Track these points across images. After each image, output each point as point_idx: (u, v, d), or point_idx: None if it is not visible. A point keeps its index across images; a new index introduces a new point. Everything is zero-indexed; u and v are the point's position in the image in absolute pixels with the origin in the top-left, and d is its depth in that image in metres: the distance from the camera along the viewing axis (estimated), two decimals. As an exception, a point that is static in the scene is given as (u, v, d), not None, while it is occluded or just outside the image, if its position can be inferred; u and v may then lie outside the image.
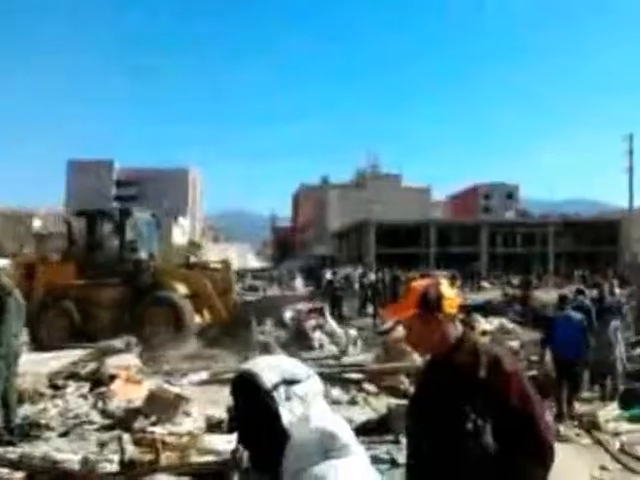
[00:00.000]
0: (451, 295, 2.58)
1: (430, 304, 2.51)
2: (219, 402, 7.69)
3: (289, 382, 4.19)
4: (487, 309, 21.16)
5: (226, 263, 16.38)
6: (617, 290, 18.25)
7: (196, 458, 5.05)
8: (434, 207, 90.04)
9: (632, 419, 8.55)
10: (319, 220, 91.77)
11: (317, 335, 14.33)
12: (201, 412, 6.90)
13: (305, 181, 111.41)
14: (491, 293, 29.29)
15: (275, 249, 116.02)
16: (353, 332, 15.24)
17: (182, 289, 14.54)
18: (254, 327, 14.03)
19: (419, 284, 2.63)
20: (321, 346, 13.70)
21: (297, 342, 14.01)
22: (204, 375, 10.40)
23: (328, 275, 32.77)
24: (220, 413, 6.80)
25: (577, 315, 9.54)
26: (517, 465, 2.36)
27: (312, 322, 14.95)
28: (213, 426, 6.46)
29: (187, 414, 6.54)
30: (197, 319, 14.49)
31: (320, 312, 16.32)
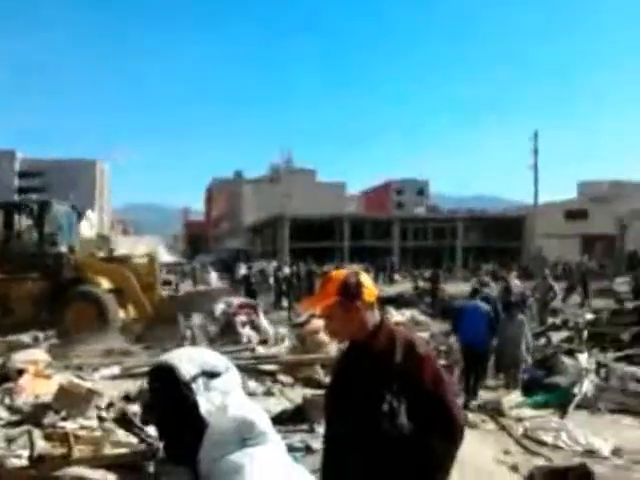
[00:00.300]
0: (369, 284, 2.67)
1: (350, 292, 2.59)
2: (132, 396, 7.60)
3: (208, 374, 4.22)
4: (399, 301, 21.73)
5: (151, 256, 16.01)
6: (517, 282, 19.27)
7: (110, 451, 4.97)
8: (348, 202, 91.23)
9: (534, 405, 9.03)
10: (233, 214, 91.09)
11: (246, 331, 14.27)
12: (114, 406, 6.78)
13: (218, 175, 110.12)
14: (403, 286, 30.05)
15: (188, 243, 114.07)
16: (283, 330, 15.27)
17: (105, 283, 14.09)
18: (181, 322, 13.81)
19: (339, 273, 2.71)
20: (249, 341, 13.65)
21: (226, 336, 13.92)
22: (116, 370, 10.18)
23: (243, 269, 32.64)
24: (133, 407, 6.70)
25: (484, 305, 10.00)
26: (430, 443, 2.48)
27: (242, 317, 14.87)
28: (126, 420, 6.35)
29: (99, 408, 6.39)
30: (121, 314, 14.11)
31: (253, 308, 16.27)
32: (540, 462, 6.38)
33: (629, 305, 16.28)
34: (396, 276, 40.50)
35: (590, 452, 7.05)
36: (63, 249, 14.53)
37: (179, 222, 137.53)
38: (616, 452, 7.04)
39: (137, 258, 16.06)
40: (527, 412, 8.75)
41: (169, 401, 4.09)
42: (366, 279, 2.68)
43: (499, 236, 60.13)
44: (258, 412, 4.08)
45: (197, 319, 14.58)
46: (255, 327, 14.82)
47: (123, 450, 4.96)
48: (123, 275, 14.28)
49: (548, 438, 7.52)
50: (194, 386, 4.08)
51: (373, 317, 2.64)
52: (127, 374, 9.93)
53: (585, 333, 13.87)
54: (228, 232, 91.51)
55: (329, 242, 56.87)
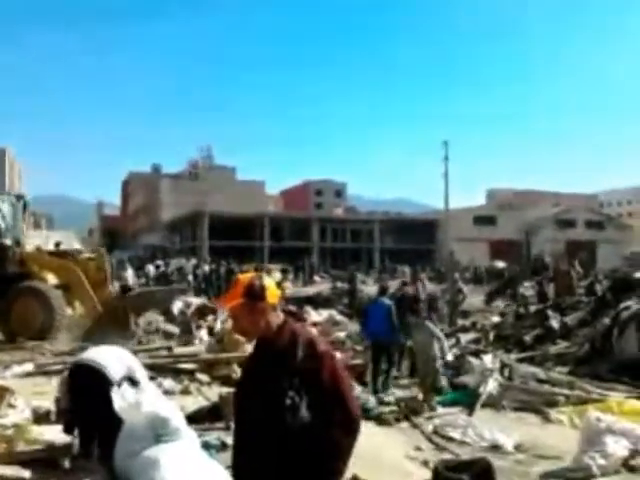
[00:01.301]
0: (273, 287, 2.93)
1: (255, 294, 2.83)
2: (46, 393, 7.42)
3: (126, 372, 4.22)
4: (317, 301, 22.00)
5: (100, 252, 15.41)
6: (427, 284, 19.91)
7: (24, 449, 4.87)
8: (267, 201, 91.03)
9: (444, 403, 9.43)
10: (150, 209, 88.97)
11: (202, 333, 14.07)
12: (27, 404, 6.60)
13: (134, 169, 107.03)
14: (321, 286, 30.37)
15: (103, 238, 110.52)
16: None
17: (52, 279, 13.52)
18: (132, 321, 13.39)
19: (245, 277, 2.94)
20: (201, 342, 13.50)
21: (182, 336, 13.71)
22: (29, 367, 9.86)
23: (151, 268, 31.94)
24: (47, 404, 6.57)
25: (386, 301, 10.42)
26: (329, 435, 2.69)
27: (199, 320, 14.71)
28: (40, 417, 6.22)
29: (12, 406, 6.21)
30: (69, 311, 13.56)
31: (214, 312, 16.01)
32: (446, 456, 6.69)
33: (533, 308, 17.10)
34: (315, 276, 40.86)
35: (495, 447, 7.44)
36: (8, 242, 13.79)
37: (93, 216, 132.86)
38: (518, 447, 7.46)
39: (86, 253, 15.48)
40: (438, 410, 9.13)
41: (91, 400, 4.08)
42: (270, 282, 2.93)
43: (414, 239, 61.70)
44: (172, 409, 4.15)
45: (151, 318, 14.29)
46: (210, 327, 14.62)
47: (38, 446, 4.88)
48: (71, 271, 13.67)
49: (456, 434, 7.88)
50: (113, 383, 4.09)
51: (277, 317, 2.88)
52: (40, 371, 9.65)
53: (491, 335, 14.53)
54: (146, 228, 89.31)
55: (249, 241, 56.64)
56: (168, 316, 15.00)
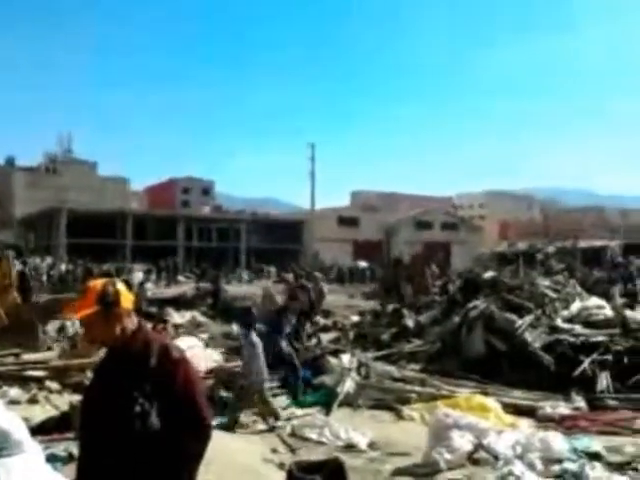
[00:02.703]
0: (126, 292, 2.83)
1: (109, 301, 2.73)
2: None
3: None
4: (180, 302, 21.48)
5: (6, 256, 14.15)
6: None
7: None
8: (131, 198, 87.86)
9: (303, 405, 9.49)
10: (2, 205, 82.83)
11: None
12: None
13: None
14: (186, 286, 29.73)
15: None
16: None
17: None
18: (39, 329, 12.65)
19: (97, 283, 2.82)
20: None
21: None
22: None
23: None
24: None
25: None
26: (180, 442, 2.64)
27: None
28: None
29: None
30: None
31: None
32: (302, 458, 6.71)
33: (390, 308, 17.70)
34: (179, 277, 39.94)
35: (350, 446, 7.61)
36: None
37: None
38: (372, 445, 7.66)
39: None
40: (297, 411, 9.18)
41: None
42: (122, 287, 2.84)
43: (280, 238, 62.03)
44: (13, 421, 3.87)
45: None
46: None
47: None
48: None
49: (313, 435, 7.96)
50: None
51: (131, 322, 2.80)
52: None
53: (351, 334, 14.89)
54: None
55: (110, 239, 54.24)
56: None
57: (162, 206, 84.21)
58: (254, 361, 8.45)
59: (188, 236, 60.30)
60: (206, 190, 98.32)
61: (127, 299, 2.81)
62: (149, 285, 23.00)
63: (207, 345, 13.38)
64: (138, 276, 25.59)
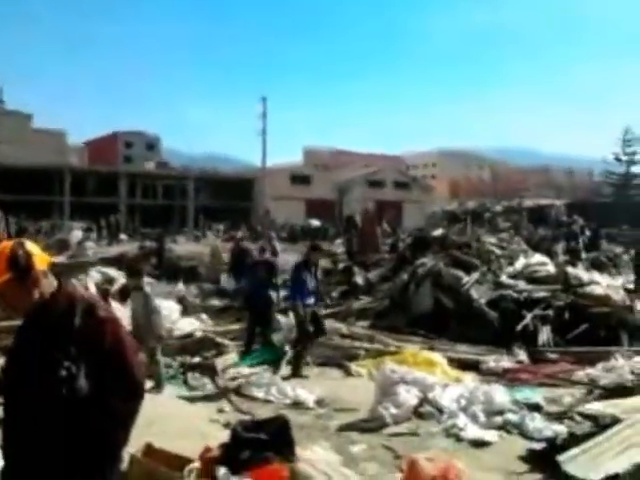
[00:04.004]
0: (39, 252, 2.69)
1: (21, 266, 2.59)
2: None
3: None
4: (123, 262, 21.14)
5: None
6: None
7: None
8: (70, 153, 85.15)
9: (253, 363, 9.59)
10: None
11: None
12: None
13: None
14: (129, 246, 29.29)
15: None
16: None
17: None
18: None
19: (3, 247, 2.65)
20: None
21: None
22: None
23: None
24: None
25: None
26: (111, 404, 2.60)
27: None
28: None
29: None
30: None
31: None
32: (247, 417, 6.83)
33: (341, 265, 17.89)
34: (122, 235, 39.28)
35: (297, 403, 7.78)
36: None
37: None
38: (319, 402, 7.84)
39: None
40: (244, 370, 9.24)
41: None
42: (34, 247, 2.70)
43: (230, 197, 61.43)
44: None
45: None
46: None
47: None
48: None
49: (260, 394, 8.09)
50: None
51: (49, 284, 2.68)
52: None
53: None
54: None
55: (47, 196, 52.75)
56: None
57: (104, 161, 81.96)
58: (147, 316, 8.31)
59: (131, 193, 59.14)
60: (151, 145, 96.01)
61: (41, 260, 2.67)
62: (89, 244, 22.54)
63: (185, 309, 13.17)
64: (77, 234, 25.02)
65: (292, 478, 4.36)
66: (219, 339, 10.43)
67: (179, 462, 5.03)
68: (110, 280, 14.55)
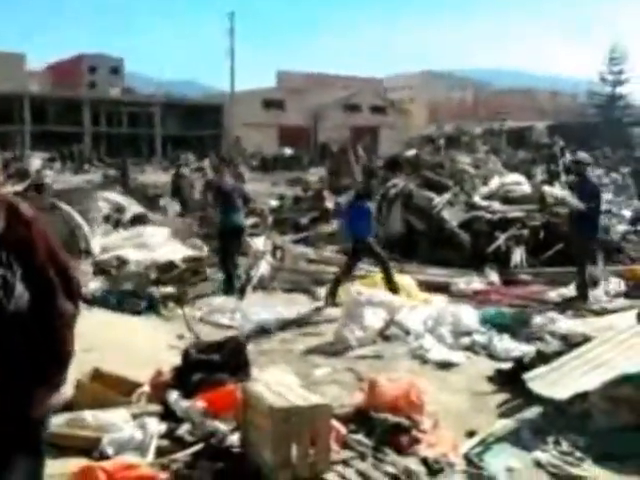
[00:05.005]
0: None
1: None
2: None
3: None
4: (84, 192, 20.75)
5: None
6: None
7: None
8: (29, 79, 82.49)
9: (219, 292, 9.46)
10: None
11: None
12: None
13: None
14: (92, 175, 28.75)
15: None
16: None
17: None
18: None
19: None
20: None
21: None
22: None
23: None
24: None
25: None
26: (53, 306, 2.51)
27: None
28: None
29: None
30: None
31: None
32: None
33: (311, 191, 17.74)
34: (86, 165, 38.50)
35: (262, 329, 7.71)
36: None
37: None
38: (284, 327, 7.79)
39: None
40: (215, 300, 9.07)
41: None
42: None
43: (199, 124, 60.24)
44: None
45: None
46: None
47: None
48: None
49: (224, 320, 8.02)
50: None
51: None
52: None
53: (270, 219, 14.89)
54: None
55: (6, 125, 51.22)
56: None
57: (66, 87, 79.59)
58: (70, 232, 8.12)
59: (95, 121, 57.72)
60: (115, 69, 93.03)
61: None
62: (48, 172, 22.01)
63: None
64: (35, 163, 24.41)
65: (244, 399, 4.27)
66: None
67: (128, 387, 4.96)
68: (120, 209, 13.97)
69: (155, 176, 29.36)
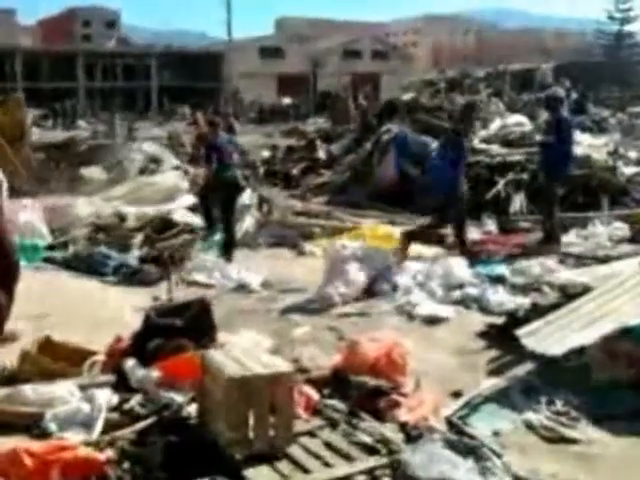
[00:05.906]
0: None
1: None
2: None
3: None
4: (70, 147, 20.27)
5: (17, 100, 13.01)
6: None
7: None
8: (21, 34, 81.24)
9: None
10: None
11: None
12: None
13: None
14: (82, 132, 28.17)
15: None
16: None
17: None
18: None
19: None
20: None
21: None
22: None
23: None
24: None
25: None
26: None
27: None
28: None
29: None
30: None
31: None
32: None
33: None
34: (80, 121, 37.79)
35: (242, 286, 7.33)
36: None
37: None
38: (265, 284, 7.41)
39: None
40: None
41: None
42: None
43: (196, 75, 59.02)
44: None
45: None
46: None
47: None
48: None
49: (201, 277, 7.65)
50: None
51: None
52: None
53: (261, 170, 14.43)
54: None
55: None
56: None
57: (60, 42, 78.19)
58: None
59: (90, 75, 56.74)
60: (111, 22, 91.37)
61: None
62: (33, 129, 21.40)
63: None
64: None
65: (203, 367, 3.91)
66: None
67: (81, 355, 4.60)
68: (156, 159, 13.51)
69: (151, 131, 28.67)
